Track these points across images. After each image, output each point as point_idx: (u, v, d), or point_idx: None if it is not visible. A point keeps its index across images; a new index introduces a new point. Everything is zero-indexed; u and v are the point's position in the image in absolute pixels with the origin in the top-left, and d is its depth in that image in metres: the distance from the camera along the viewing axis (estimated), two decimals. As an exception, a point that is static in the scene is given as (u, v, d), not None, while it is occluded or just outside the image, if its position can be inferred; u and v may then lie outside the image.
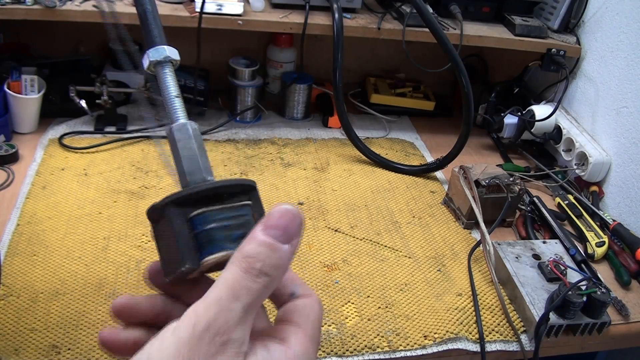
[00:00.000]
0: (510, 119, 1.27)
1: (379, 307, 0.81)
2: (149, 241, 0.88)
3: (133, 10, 1.10)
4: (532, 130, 1.24)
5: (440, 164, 1.14)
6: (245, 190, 0.34)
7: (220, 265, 0.32)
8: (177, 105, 0.35)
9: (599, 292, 0.79)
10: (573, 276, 0.84)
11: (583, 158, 1.15)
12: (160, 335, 0.28)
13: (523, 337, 0.80)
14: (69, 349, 0.69)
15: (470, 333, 0.79)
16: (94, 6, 1.04)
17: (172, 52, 0.37)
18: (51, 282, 0.78)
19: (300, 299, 0.34)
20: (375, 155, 1.17)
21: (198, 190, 0.32)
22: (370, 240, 0.95)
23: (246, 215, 0.33)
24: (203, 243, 0.31)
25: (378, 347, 0.75)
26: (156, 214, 0.32)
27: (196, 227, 0.31)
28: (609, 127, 1.13)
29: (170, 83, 0.36)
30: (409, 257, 0.92)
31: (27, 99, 1.08)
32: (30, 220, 0.89)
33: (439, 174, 1.18)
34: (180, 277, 0.32)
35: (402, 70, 1.51)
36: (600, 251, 0.97)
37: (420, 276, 0.88)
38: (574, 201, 1.10)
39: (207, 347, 0.27)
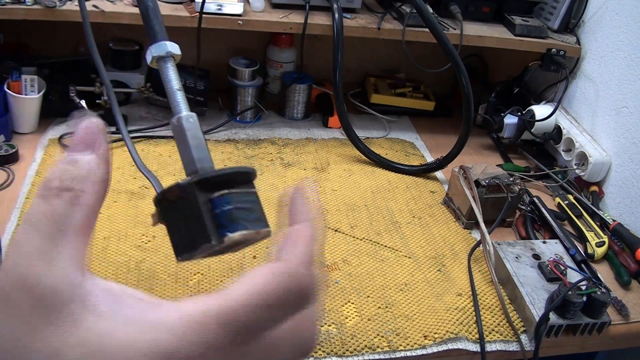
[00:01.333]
0: (510, 119, 1.27)
1: (379, 307, 0.81)
2: (149, 241, 0.88)
3: (133, 10, 1.11)
4: (532, 130, 1.24)
5: (440, 164, 1.14)
6: (252, 177, 0.35)
7: (236, 245, 0.33)
8: (180, 98, 0.37)
9: (599, 292, 0.79)
10: (573, 276, 0.84)
11: (583, 158, 1.15)
12: None
13: (523, 337, 0.80)
14: (69, 349, 0.69)
15: (470, 333, 0.79)
16: (94, 6, 1.04)
17: (174, 47, 0.38)
18: (51, 282, 0.78)
19: (291, 228, 0.31)
20: (375, 155, 1.17)
21: (219, 174, 0.33)
22: (370, 240, 0.95)
23: (256, 200, 0.35)
24: (224, 222, 0.32)
25: (378, 347, 0.75)
26: (176, 192, 0.33)
27: (217, 207, 0.33)
28: (609, 127, 1.13)
29: (173, 77, 0.38)
30: (409, 257, 0.92)
31: (27, 99, 1.08)
32: (30, 220, 0.89)
33: (439, 174, 1.18)
34: (195, 256, 0.33)
35: (402, 70, 1.51)
36: (600, 251, 0.97)
37: (420, 276, 0.88)
38: (574, 201, 1.10)
39: (19, 302, 0.22)
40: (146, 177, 0.59)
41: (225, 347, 0.24)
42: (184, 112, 0.37)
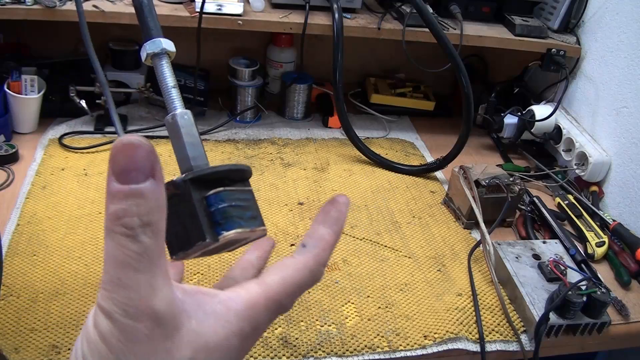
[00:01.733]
0: (510, 119, 1.27)
1: (379, 307, 0.81)
2: (149, 241, 0.88)
3: (133, 10, 1.10)
4: (532, 130, 1.24)
5: (440, 164, 1.14)
6: (247, 175, 0.35)
7: (232, 243, 0.34)
8: (175, 95, 0.37)
9: (599, 292, 0.79)
10: (573, 276, 0.84)
11: (583, 158, 1.15)
12: (80, 340, 0.27)
13: (523, 337, 0.80)
14: (69, 349, 0.69)
15: (470, 333, 0.79)
16: (94, 6, 1.04)
17: (168, 44, 0.38)
18: (51, 282, 0.78)
19: (290, 258, 0.33)
20: (375, 155, 1.17)
21: (214, 171, 0.33)
22: (370, 240, 0.95)
23: (251, 198, 0.35)
24: (219, 220, 0.32)
25: (378, 347, 0.75)
26: (171, 190, 0.33)
27: (212, 205, 0.32)
28: (609, 127, 1.13)
29: (167, 74, 0.37)
30: (409, 257, 0.92)
31: (27, 99, 1.08)
32: (30, 220, 0.89)
33: (439, 174, 1.18)
34: (190, 254, 0.33)
35: (402, 70, 1.51)
36: (600, 251, 0.97)
37: (420, 276, 0.88)
38: (574, 201, 1.10)
39: (139, 331, 0.25)
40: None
41: (266, 326, 0.31)
42: (179, 109, 0.37)
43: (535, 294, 0.82)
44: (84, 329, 0.27)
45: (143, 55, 0.38)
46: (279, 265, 0.33)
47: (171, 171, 1.06)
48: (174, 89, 0.37)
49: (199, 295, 0.31)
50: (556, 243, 0.93)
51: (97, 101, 1.13)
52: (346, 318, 0.78)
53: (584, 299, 0.78)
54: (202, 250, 0.33)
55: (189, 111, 0.36)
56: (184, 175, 0.33)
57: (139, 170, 0.26)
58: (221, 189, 0.33)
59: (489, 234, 0.92)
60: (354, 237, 0.95)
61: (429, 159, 1.23)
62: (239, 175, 0.34)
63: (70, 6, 1.03)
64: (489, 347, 0.78)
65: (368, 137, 1.28)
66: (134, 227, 0.25)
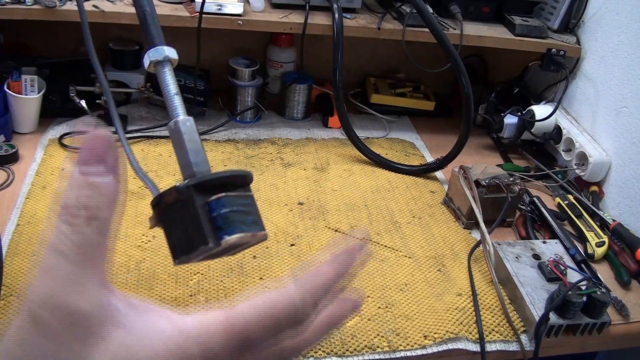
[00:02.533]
0: (510, 119, 1.27)
1: (379, 307, 0.81)
2: (149, 241, 0.88)
3: (133, 10, 1.10)
4: (532, 130, 1.24)
5: (440, 164, 1.14)
6: (248, 181, 0.36)
7: (233, 248, 0.34)
8: (177, 102, 0.37)
9: (599, 292, 0.79)
10: (573, 276, 0.84)
11: (583, 158, 1.15)
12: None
13: (523, 337, 0.80)
14: (69, 349, 0.69)
15: (470, 333, 0.79)
16: (94, 6, 1.04)
17: (171, 52, 0.38)
18: (51, 282, 0.78)
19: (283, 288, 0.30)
20: (375, 155, 1.17)
21: (216, 177, 0.34)
22: (370, 240, 0.95)
23: (252, 203, 0.35)
24: (221, 225, 0.33)
25: (378, 347, 0.75)
26: (174, 195, 0.33)
27: (214, 211, 0.33)
28: (609, 127, 1.13)
29: (170, 81, 0.38)
30: (409, 257, 0.92)
31: (27, 99, 1.08)
32: (30, 220, 0.89)
33: (439, 174, 1.18)
34: (193, 258, 0.33)
35: (402, 70, 1.51)
36: (600, 251, 0.97)
37: (420, 276, 0.88)
38: (574, 201, 1.10)
39: (55, 327, 0.24)
40: (143, 181, 0.59)
41: (226, 356, 0.26)
42: (181, 116, 0.37)
43: (535, 294, 0.82)
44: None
45: (146, 62, 0.38)
46: (261, 295, 0.29)
47: (171, 171, 1.06)
48: (177, 96, 0.37)
49: (146, 310, 0.27)
50: (556, 243, 0.93)
51: (97, 101, 1.13)
52: (346, 318, 0.78)
53: (584, 299, 0.78)
54: (204, 254, 0.33)
55: (191, 118, 0.37)
56: (186, 181, 0.33)
57: (99, 164, 0.26)
58: (223, 194, 0.33)
59: (489, 234, 0.92)
60: (353, 237, 0.95)
61: (429, 159, 1.23)
62: (240, 181, 0.35)
63: (70, 6, 1.03)
64: (489, 347, 0.78)
65: (368, 137, 1.28)
66: (79, 216, 0.25)
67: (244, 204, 0.34)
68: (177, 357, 0.25)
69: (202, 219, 0.32)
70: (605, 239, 0.98)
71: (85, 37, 0.54)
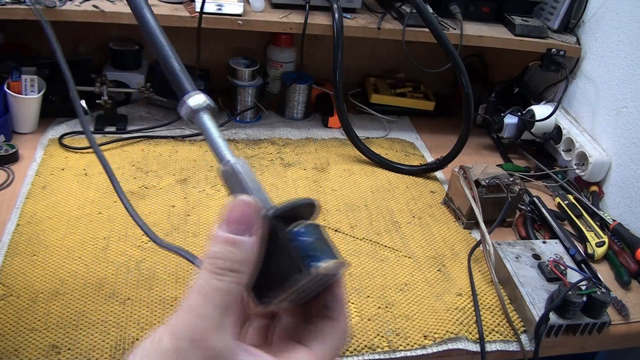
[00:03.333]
0: (510, 119, 1.27)
1: (379, 307, 0.81)
2: (149, 241, 0.88)
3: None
4: (532, 130, 1.24)
5: (440, 164, 1.14)
6: (316, 209, 0.35)
7: (319, 279, 0.33)
8: (223, 145, 0.37)
9: (599, 292, 0.79)
10: (573, 276, 0.84)
11: (583, 158, 1.15)
12: (142, 346, 0.29)
13: (523, 337, 0.80)
14: (69, 349, 0.69)
15: (470, 333, 0.79)
16: (94, 6, 1.04)
17: (208, 99, 0.38)
18: (51, 282, 0.78)
19: (327, 320, 0.33)
20: (375, 155, 1.17)
21: (294, 206, 0.33)
22: (370, 240, 0.95)
23: (325, 232, 0.34)
24: (309, 253, 0.32)
25: (378, 347, 0.75)
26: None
27: (297, 240, 0.32)
28: (609, 127, 1.13)
29: (212, 126, 0.38)
30: (409, 257, 0.92)
31: (27, 99, 1.08)
32: (30, 220, 0.89)
33: (439, 174, 1.18)
34: (281, 294, 0.32)
35: (402, 70, 1.51)
36: (600, 251, 0.97)
37: (420, 276, 0.88)
38: (574, 201, 1.10)
39: (189, 356, 0.28)
40: (172, 250, 0.60)
41: None
42: (232, 157, 0.36)
43: (535, 294, 0.82)
44: (146, 341, 0.29)
45: (184, 111, 0.38)
46: (321, 331, 0.33)
47: (171, 171, 1.06)
48: (220, 138, 0.37)
49: (259, 356, 0.31)
50: (556, 243, 0.93)
51: (97, 101, 1.13)
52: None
53: (584, 299, 0.78)
54: (293, 288, 0.31)
55: (242, 158, 0.36)
56: (266, 211, 0.32)
57: (243, 226, 0.30)
58: (303, 222, 0.33)
59: (489, 234, 0.92)
60: (354, 237, 0.95)
61: (429, 159, 1.23)
62: (310, 211, 0.35)
63: (71, 6, 1.03)
64: (489, 347, 0.78)
65: (368, 137, 1.28)
66: (223, 268, 0.29)
67: (320, 233, 0.33)
68: None
69: (290, 247, 0.32)
70: (605, 239, 0.98)
71: (51, 41, 0.53)
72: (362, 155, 1.17)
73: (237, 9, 1.09)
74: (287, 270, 0.31)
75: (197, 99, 0.38)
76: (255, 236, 0.31)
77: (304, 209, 0.34)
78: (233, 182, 0.36)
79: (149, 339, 0.29)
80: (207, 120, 0.38)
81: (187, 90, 0.38)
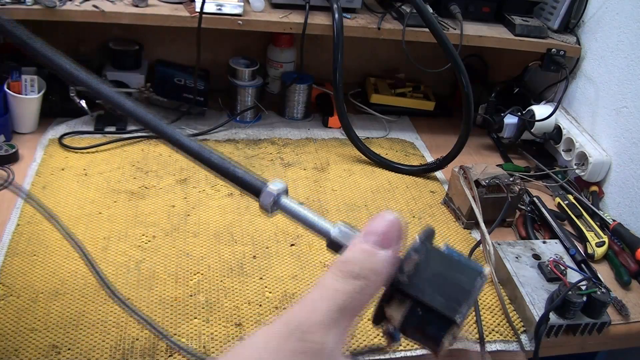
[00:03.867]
0: (510, 119, 1.27)
1: (379, 307, 0.81)
2: (149, 241, 0.88)
3: (133, 10, 1.11)
4: (532, 130, 1.24)
5: (440, 164, 1.14)
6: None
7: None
8: (317, 219, 0.37)
9: (599, 292, 0.79)
10: (573, 276, 0.84)
11: (583, 158, 1.15)
12: (254, 333, 0.29)
13: (523, 337, 0.80)
14: (69, 349, 0.69)
15: (470, 333, 0.79)
16: (94, 6, 1.04)
17: (281, 185, 0.39)
18: (51, 282, 0.78)
19: None
20: (375, 155, 1.17)
21: (427, 231, 0.34)
22: (370, 240, 0.95)
23: None
24: (469, 264, 0.33)
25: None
26: (414, 259, 0.32)
27: (457, 255, 0.33)
28: (609, 127, 1.13)
29: (299, 208, 0.38)
30: (409, 257, 0.92)
31: (27, 99, 1.08)
32: (30, 220, 0.89)
33: (439, 174, 1.18)
34: (470, 304, 0.32)
35: (402, 70, 1.51)
36: (600, 251, 0.97)
37: (420, 276, 0.88)
38: (574, 201, 1.10)
39: (294, 344, 0.27)
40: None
41: None
42: (330, 224, 0.37)
43: (535, 294, 0.82)
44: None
45: (267, 201, 0.38)
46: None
47: (171, 171, 1.06)
48: (310, 214, 0.38)
49: None
50: (556, 243, 0.93)
51: (97, 101, 1.13)
52: (346, 318, 0.78)
53: (584, 299, 0.78)
54: (476, 295, 0.32)
55: (341, 223, 0.36)
56: (417, 239, 0.33)
57: (384, 239, 0.30)
58: (443, 244, 0.34)
59: (489, 234, 0.92)
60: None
61: (429, 159, 1.23)
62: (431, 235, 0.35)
63: (71, 6, 1.03)
64: (489, 347, 0.78)
65: (368, 137, 1.28)
66: (351, 272, 0.29)
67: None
68: None
69: (460, 262, 0.32)
70: (605, 239, 0.98)
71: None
72: (362, 155, 1.17)
73: (237, 9, 1.09)
74: (465, 281, 0.32)
75: (274, 188, 0.38)
76: (393, 252, 0.31)
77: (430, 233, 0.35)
78: (342, 242, 0.36)
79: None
80: (293, 204, 0.39)
81: (261, 186, 0.39)
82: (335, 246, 0.35)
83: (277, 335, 0.28)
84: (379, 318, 0.34)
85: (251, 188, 0.39)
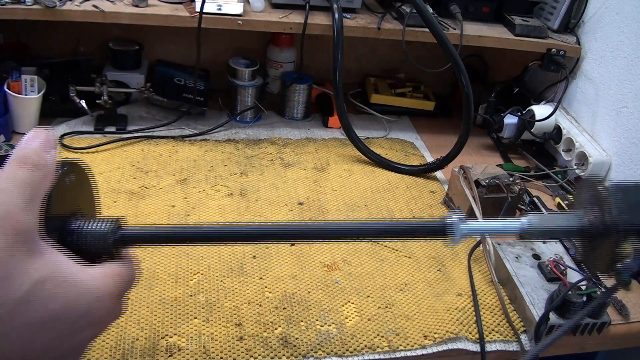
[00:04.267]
0: (510, 119, 1.27)
1: (379, 307, 0.81)
2: (149, 241, 0.88)
3: (133, 10, 1.10)
4: (532, 130, 1.24)
5: (440, 164, 1.14)
6: None
7: None
8: (505, 222, 0.38)
9: (599, 292, 0.79)
10: (573, 276, 0.84)
11: (583, 158, 1.15)
12: None
13: (523, 337, 0.80)
14: (69, 349, 0.69)
15: (470, 333, 0.79)
16: (94, 6, 1.04)
17: (457, 212, 0.39)
18: (51, 282, 0.78)
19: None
20: (375, 155, 1.17)
21: None
22: (370, 240, 0.95)
23: None
24: None
25: (378, 347, 0.75)
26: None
27: None
28: (609, 127, 1.13)
29: (484, 224, 0.40)
30: (409, 257, 0.92)
31: (27, 99, 1.08)
32: (30, 220, 0.88)
33: (439, 174, 1.18)
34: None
35: (402, 70, 1.51)
36: (600, 251, 0.96)
37: (420, 276, 0.88)
38: (574, 201, 1.10)
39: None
40: None
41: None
42: (524, 219, 0.38)
43: (535, 294, 0.82)
44: None
45: (460, 239, 0.38)
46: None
47: (171, 171, 1.06)
48: (498, 221, 0.38)
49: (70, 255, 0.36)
50: (556, 243, 0.93)
51: (97, 101, 1.13)
52: (346, 318, 0.78)
53: (584, 299, 0.78)
54: None
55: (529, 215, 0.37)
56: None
57: (47, 145, 0.36)
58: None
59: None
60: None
61: (429, 159, 1.23)
62: None
63: (71, 6, 1.03)
64: (489, 347, 0.78)
65: (368, 137, 1.28)
66: (29, 160, 0.34)
67: None
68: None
69: None
70: (605, 239, 0.98)
71: None
72: (362, 155, 1.17)
73: (237, 9, 1.09)
74: None
75: (455, 219, 0.38)
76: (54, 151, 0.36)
77: None
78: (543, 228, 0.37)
79: None
80: (476, 224, 0.39)
81: (448, 220, 0.38)
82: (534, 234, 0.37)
83: None
84: (609, 267, 0.35)
85: (435, 231, 0.39)
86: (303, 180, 1.09)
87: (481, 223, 0.39)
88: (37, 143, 0.35)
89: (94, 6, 1.04)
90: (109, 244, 0.40)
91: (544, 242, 0.93)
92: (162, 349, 0.70)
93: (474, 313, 0.82)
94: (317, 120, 1.34)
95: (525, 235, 0.37)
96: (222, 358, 0.70)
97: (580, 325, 0.79)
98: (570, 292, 0.77)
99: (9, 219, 0.30)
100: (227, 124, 1.25)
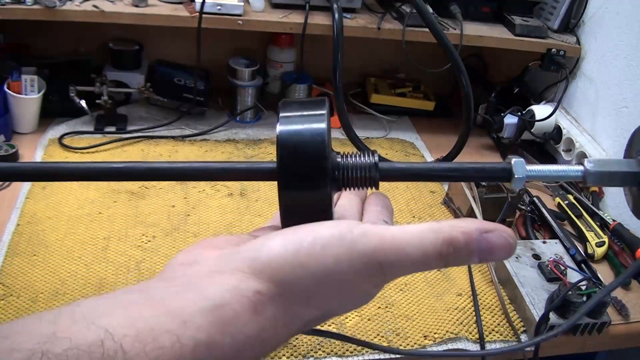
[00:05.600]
0: (510, 119, 1.27)
1: (379, 307, 0.81)
2: (149, 241, 0.88)
3: (133, 10, 1.10)
4: (532, 130, 1.24)
5: (440, 164, 1.14)
6: None
7: None
8: (566, 167, 0.39)
9: (599, 292, 0.79)
10: (573, 276, 0.84)
11: (583, 158, 1.15)
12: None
13: (523, 337, 0.80)
14: (69, 349, 0.68)
15: (470, 333, 0.79)
16: (94, 6, 1.04)
17: (516, 158, 0.37)
18: (51, 282, 0.78)
19: None
20: (375, 155, 1.16)
21: None
22: (370, 240, 0.95)
23: None
24: None
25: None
26: None
27: None
28: (609, 127, 1.13)
29: (543, 167, 0.39)
30: (409, 257, 0.92)
31: (27, 99, 1.08)
32: (30, 220, 0.89)
33: (439, 174, 1.18)
34: None
35: (402, 70, 1.51)
36: (600, 251, 0.97)
37: (420, 276, 0.88)
38: (574, 201, 1.10)
39: (370, 272, 0.31)
40: None
41: None
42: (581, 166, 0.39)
43: (535, 294, 0.82)
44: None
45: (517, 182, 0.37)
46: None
47: (171, 171, 1.06)
48: (557, 167, 0.38)
49: None
50: (556, 243, 0.93)
51: (97, 101, 1.13)
52: (346, 318, 0.78)
53: (584, 299, 0.78)
54: None
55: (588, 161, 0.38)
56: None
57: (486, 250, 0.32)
58: None
59: (489, 234, 0.92)
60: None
61: (429, 159, 1.23)
62: None
63: (71, 6, 1.03)
64: (489, 347, 0.78)
65: (368, 137, 1.28)
66: (447, 259, 0.32)
67: None
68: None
69: None
70: (605, 239, 0.98)
71: None
72: (362, 155, 1.17)
73: (237, 9, 1.09)
74: None
75: (519, 159, 0.37)
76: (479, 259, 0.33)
77: None
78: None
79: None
80: (537, 167, 0.38)
81: (506, 166, 0.37)
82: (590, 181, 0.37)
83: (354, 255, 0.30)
84: None
85: (499, 175, 0.37)
86: (303, 180, 1.09)
87: (545, 166, 0.38)
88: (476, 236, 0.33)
89: (94, 6, 1.04)
90: (376, 176, 0.36)
91: (544, 242, 0.93)
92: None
93: (474, 313, 0.82)
94: (317, 120, 1.33)
95: (583, 182, 0.37)
96: (222, 358, 0.70)
97: (581, 325, 0.79)
98: (570, 292, 0.77)
99: (386, 270, 0.32)
100: (227, 124, 1.25)
